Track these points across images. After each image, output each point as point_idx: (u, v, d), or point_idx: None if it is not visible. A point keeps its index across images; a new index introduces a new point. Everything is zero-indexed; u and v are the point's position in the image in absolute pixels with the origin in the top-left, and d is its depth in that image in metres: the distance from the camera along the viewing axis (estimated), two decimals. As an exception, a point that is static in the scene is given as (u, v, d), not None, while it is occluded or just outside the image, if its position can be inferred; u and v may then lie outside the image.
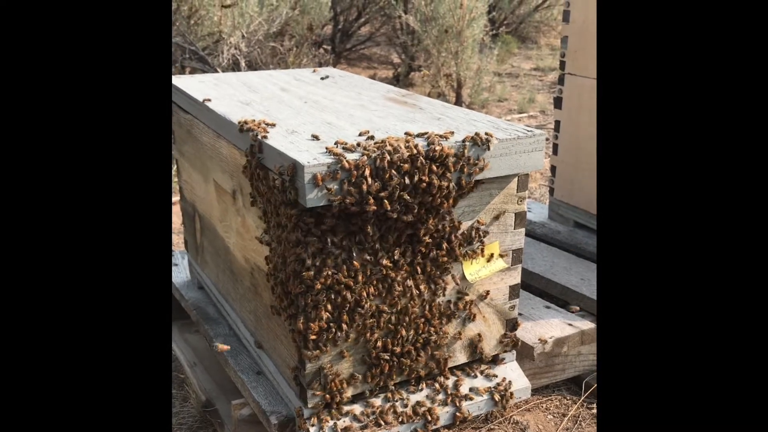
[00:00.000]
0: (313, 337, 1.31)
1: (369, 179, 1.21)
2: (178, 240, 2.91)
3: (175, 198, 3.27)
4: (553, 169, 2.39)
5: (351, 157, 1.21)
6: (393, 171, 1.23)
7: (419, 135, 1.32)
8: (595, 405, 1.84)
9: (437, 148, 1.26)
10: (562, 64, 2.28)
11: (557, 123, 2.34)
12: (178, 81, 1.91)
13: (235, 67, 4.25)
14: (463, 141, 1.30)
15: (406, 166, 1.24)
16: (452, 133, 1.33)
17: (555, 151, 2.36)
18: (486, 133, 1.33)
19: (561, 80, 2.30)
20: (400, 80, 5.70)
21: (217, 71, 4.09)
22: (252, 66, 4.42)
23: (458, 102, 5.11)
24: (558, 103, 2.33)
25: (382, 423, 1.41)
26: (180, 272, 2.12)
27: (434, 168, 1.26)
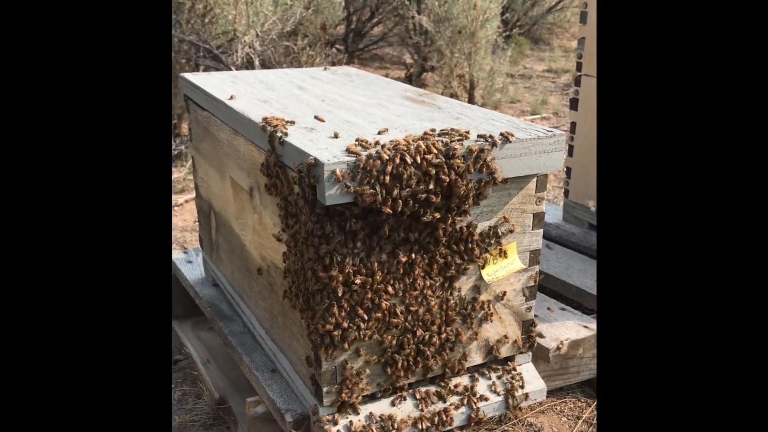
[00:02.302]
0: (330, 335, 1.30)
1: (389, 178, 1.21)
2: (192, 237, 2.91)
3: (190, 195, 3.28)
4: (568, 170, 2.38)
5: (371, 155, 1.21)
6: (413, 170, 1.22)
7: (440, 134, 1.32)
8: (609, 408, 1.83)
9: (457, 147, 1.26)
10: (579, 66, 2.27)
11: (573, 124, 2.33)
12: (196, 78, 1.91)
13: (248, 65, 4.26)
14: (483, 140, 1.30)
15: (426, 165, 1.23)
16: (476, 135, 1.32)
17: (570, 153, 2.35)
18: (507, 132, 1.33)
19: (577, 81, 2.29)
20: (413, 80, 5.69)
21: (231, 69, 4.10)
22: (265, 65, 4.43)
23: (471, 103, 5.10)
24: (574, 104, 2.32)
25: (397, 422, 1.41)
26: (194, 269, 2.13)
27: (454, 167, 1.26)
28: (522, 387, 1.53)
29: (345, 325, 1.31)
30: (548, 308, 1.87)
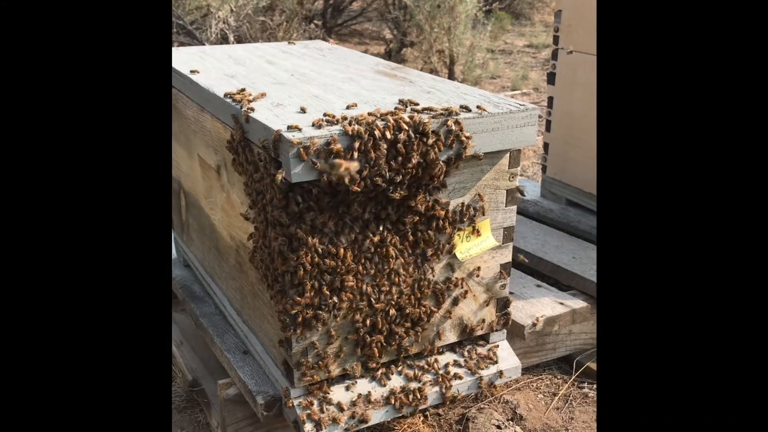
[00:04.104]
0: (300, 316, 1.28)
1: (356, 154, 1.17)
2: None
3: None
4: (545, 146, 2.35)
5: (338, 130, 1.17)
6: (381, 145, 1.19)
7: (409, 108, 1.28)
8: (585, 384, 1.83)
9: (427, 121, 1.22)
10: (556, 39, 2.24)
11: (550, 99, 2.30)
12: (162, 53, 1.85)
13: (223, 41, 4.17)
14: (454, 114, 1.26)
15: (395, 140, 1.20)
16: (446, 109, 1.29)
17: (548, 128, 2.32)
18: (478, 106, 1.30)
19: (554, 55, 2.25)
20: (392, 56, 5.62)
21: (204, 45, 4.01)
22: (241, 41, 4.35)
23: (451, 78, 5.05)
24: (551, 78, 2.29)
25: (370, 402, 1.39)
26: (166, 250, 2.08)
27: (424, 142, 1.22)
28: (496, 365, 1.52)
29: (315, 305, 1.28)
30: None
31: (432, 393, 1.45)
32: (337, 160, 1.15)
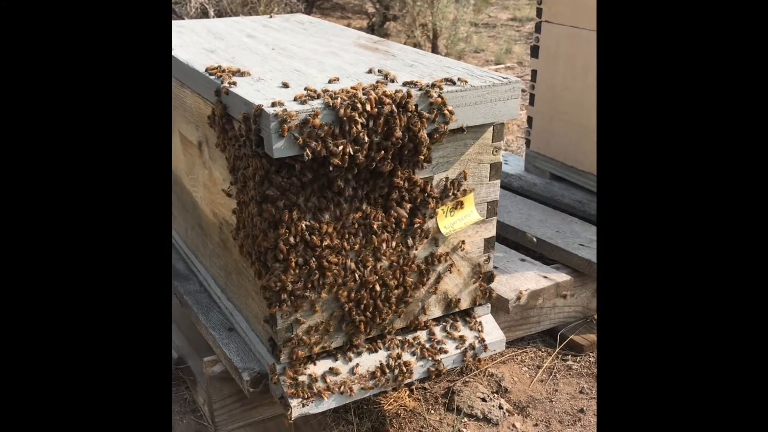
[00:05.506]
0: (285, 292, 1.27)
1: (338, 129, 1.16)
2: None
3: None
4: (529, 120, 2.35)
5: (319, 105, 1.16)
6: (363, 120, 1.18)
7: (392, 82, 1.27)
8: (569, 357, 1.84)
9: (410, 94, 1.21)
10: (539, 12, 2.22)
11: (534, 72, 2.29)
12: (140, 28, 1.82)
13: (203, 16, 4.11)
14: (437, 88, 1.25)
15: (378, 113, 1.18)
16: (429, 82, 1.28)
17: (532, 102, 2.32)
18: (459, 79, 1.29)
19: (538, 28, 2.24)
20: (375, 30, 5.57)
21: (184, 20, 3.95)
22: (221, 15, 4.28)
23: (435, 53, 5.01)
24: (535, 52, 2.27)
25: (356, 377, 1.39)
26: (148, 228, 2.06)
27: (407, 116, 1.21)
28: (481, 338, 1.53)
29: (299, 281, 1.28)
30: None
31: (418, 367, 1.45)
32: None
